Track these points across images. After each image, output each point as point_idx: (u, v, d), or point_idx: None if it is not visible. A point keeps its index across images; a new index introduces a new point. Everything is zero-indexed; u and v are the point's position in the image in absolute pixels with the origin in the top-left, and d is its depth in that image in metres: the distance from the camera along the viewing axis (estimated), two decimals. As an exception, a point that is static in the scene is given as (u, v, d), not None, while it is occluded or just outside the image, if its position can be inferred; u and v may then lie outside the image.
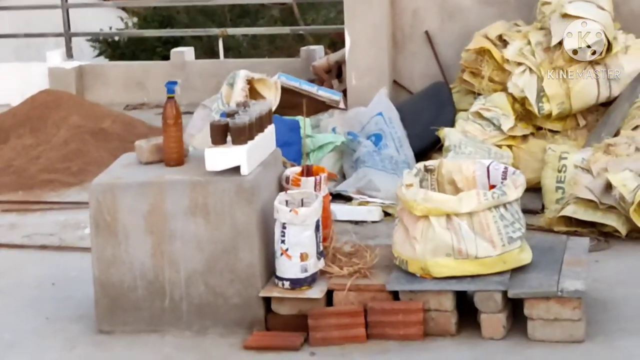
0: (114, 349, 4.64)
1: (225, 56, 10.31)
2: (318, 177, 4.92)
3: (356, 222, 6.09)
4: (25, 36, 10.71)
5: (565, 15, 6.52)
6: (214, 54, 11.36)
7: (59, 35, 10.35)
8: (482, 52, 6.78)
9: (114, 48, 13.48)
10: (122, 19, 14.14)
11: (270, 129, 5.00)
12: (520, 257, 4.64)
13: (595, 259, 5.32)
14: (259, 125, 4.83)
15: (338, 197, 6.31)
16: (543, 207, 6.04)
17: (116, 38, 13.27)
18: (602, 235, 5.67)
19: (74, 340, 4.75)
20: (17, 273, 5.62)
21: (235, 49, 13.15)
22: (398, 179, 6.20)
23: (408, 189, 4.68)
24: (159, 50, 12.81)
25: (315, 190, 4.86)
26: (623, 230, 5.64)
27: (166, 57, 10.41)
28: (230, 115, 4.79)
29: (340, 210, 6.03)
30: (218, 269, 4.70)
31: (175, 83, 4.84)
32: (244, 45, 13.65)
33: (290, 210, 4.61)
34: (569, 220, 5.77)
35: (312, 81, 7.64)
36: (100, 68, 9.82)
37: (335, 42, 11.01)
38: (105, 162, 6.84)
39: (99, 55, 13.36)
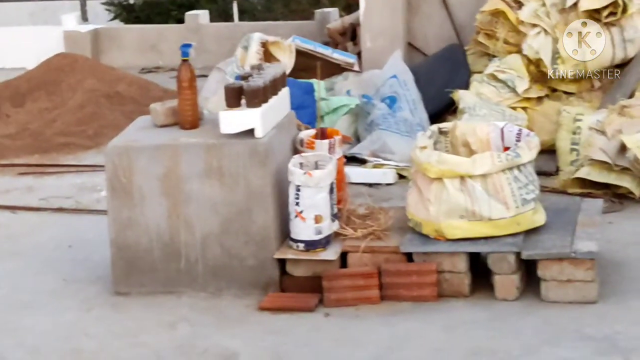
0: (130, 310, 4.69)
1: (240, 19, 10.30)
2: (332, 140, 4.94)
3: (370, 185, 6.11)
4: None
5: (581, -23, 6.50)
6: (228, 17, 11.33)
7: (74, -2, 10.35)
8: (497, 13, 6.76)
9: (129, 11, 13.45)
10: (137, -18, 14.10)
11: (285, 92, 5.01)
12: (533, 219, 4.66)
13: (609, 220, 5.33)
14: (273, 88, 4.84)
15: (352, 159, 6.33)
16: (557, 169, 6.04)
17: (131, 1, 13.24)
18: (616, 196, 5.67)
19: (90, 301, 4.79)
20: (34, 235, 5.67)
21: (250, 12, 13.11)
22: (412, 141, 6.17)
23: (422, 151, 4.69)
24: (173, 13, 12.77)
25: (329, 153, 4.87)
26: (637, 192, 5.64)
27: (181, 21, 10.40)
28: (245, 78, 4.80)
29: (354, 173, 6.04)
30: (233, 231, 4.73)
31: (189, 46, 4.84)
32: (259, 8, 13.60)
33: (305, 173, 4.63)
34: (583, 182, 5.78)
35: (326, 44, 7.63)
36: (115, 31, 9.82)
37: (350, 5, 10.95)
38: (121, 125, 6.86)
39: (114, 18, 13.35)
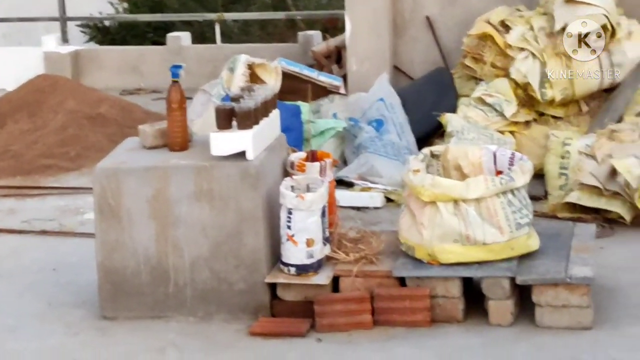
0: (117, 335, 4.60)
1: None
2: (323, 163, 4.89)
3: (358, 209, 6.06)
4: (19, 20, 10.61)
5: (569, 1, 6.49)
6: (204, 40, 11.28)
7: (54, 19, 10.26)
8: (484, 37, 6.74)
9: (104, 34, 13.38)
10: (112, 4, 14.04)
11: (275, 114, 4.96)
12: (528, 244, 4.62)
13: (601, 245, 5.30)
14: (263, 109, 4.79)
15: (340, 183, 6.26)
16: (546, 194, 6.01)
17: (107, 23, 13.17)
18: (606, 221, 5.65)
19: (76, 325, 4.70)
20: (17, 258, 5.57)
21: (226, 35, 13.07)
22: (400, 164, 6.17)
23: (415, 174, 4.64)
24: (149, 36, 12.71)
25: (320, 176, 4.82)
26: (628, 217, 5.62)
27: (157, 43, 10.34)
28: (235, 99, 4.74)
29: (342, 196, 5.95)
30: (223, 255, 4.66)
31: (180, 67, 4.79)
32: (235, 31, 13.57)
33: (297, 196, 4.57)
34: (573, 207, 5.75)
35: (311, 66, 7.59)
36: (95, 53, 9.75)
37: (327, 29, 10.94)
38: (103, 147, 6.78)
39: (89, 40, 13.26)
